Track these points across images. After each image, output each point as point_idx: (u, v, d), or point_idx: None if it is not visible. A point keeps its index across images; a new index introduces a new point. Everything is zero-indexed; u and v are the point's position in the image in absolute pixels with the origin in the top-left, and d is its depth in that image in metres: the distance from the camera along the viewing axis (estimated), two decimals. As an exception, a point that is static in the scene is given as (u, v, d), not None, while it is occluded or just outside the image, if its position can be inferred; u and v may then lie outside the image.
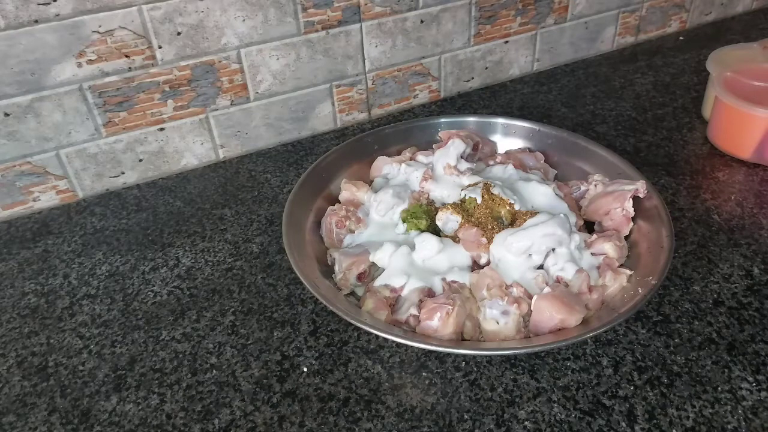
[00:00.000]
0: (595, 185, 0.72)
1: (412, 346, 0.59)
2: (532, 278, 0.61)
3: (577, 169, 0.77)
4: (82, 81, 0.75)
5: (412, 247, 0.65)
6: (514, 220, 0.65)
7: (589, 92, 1.00)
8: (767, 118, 0.77)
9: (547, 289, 0.59)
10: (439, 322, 0.57)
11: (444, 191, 0.72)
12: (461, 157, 0.74)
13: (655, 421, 0.52)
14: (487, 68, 1.03)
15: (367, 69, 0.93)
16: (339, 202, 0.73)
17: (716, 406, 0.53)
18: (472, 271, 0.64)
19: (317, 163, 0.76)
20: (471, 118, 0.84)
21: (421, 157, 0.78)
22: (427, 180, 0.73)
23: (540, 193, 0.69)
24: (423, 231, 0.67)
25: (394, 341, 0.59)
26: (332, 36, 0.87)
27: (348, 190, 0.73)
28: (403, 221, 0.68)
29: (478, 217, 0.66)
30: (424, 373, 0.57)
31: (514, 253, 0.62)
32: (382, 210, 0.70)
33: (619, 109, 0.95)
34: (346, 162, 0.78)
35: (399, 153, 0.80)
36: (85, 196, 0.83)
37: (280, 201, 0.80)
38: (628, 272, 0.62)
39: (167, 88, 0.80)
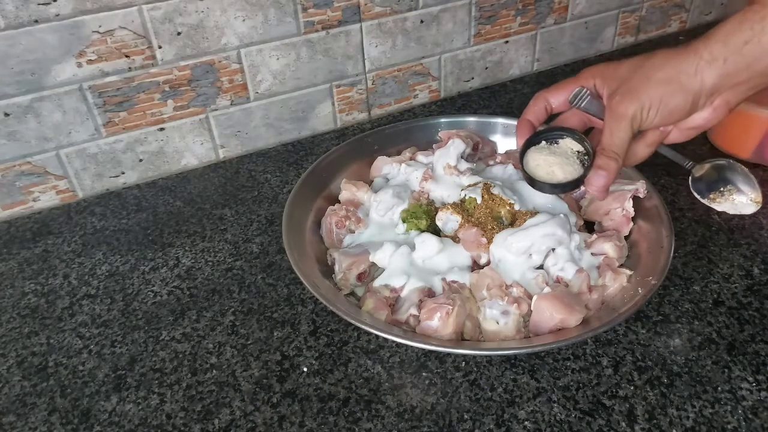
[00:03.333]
0: (595, 185, 0.72)
1: (412, 346, 0.59)
2: (532, 278, 0.61)
3: (577, 169, 0.77)
4: (82, 81, 0.75)
5: (412, 247, 0.65)
6: (514, 220, 0.65)
7: (589, 92, 1.00)
8: (767, 118, 0.76)
9: (547, 289, 0.59)
10: (439, 322, 0.57)
11: (444, 191, 0.72)
12: (461, 157, 0.74)
13: (655, 421, 0.52)
14: (487, 68, 1.03)
15: (367, 69, 0.93)
16: (339, 202, 0.73)
17: (716, 406, 0.53)
18: (472, 271, 0.64)
19: (317, 163, 0.76)
20: (471, 118, 0.84)
21: (421, 157, 0.78)
22: (427, 180, 0.73)
23: (540, 193, 0.69)
24: (423, 231, 0.67)
25: (394, 341, 0.59)
26: (332, 36, 0.87)
27: (348, 190, 0.73)
28: (403, 221, 0.68)
29: (478, 217, 0.66)
30: (424, 373, 0.57)
31: (514, 253, 0.62)
32: (382, 210, 0.70)
33: (619, 109, 0.95)
34: (346, 162, 0.78)
35: (399, 153, 0.80)
36: (85, 196, 0.83)
37: (280, 201, 0.80)
38: (628, 272, 0.62)
39: (167, 88, 0.80)
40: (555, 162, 0.59)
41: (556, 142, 0.60)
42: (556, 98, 0.60)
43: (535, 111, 0.60)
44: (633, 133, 0.54)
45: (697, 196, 0.62)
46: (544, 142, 0.61)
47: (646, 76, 0.53)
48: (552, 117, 0.62)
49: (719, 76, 0.51)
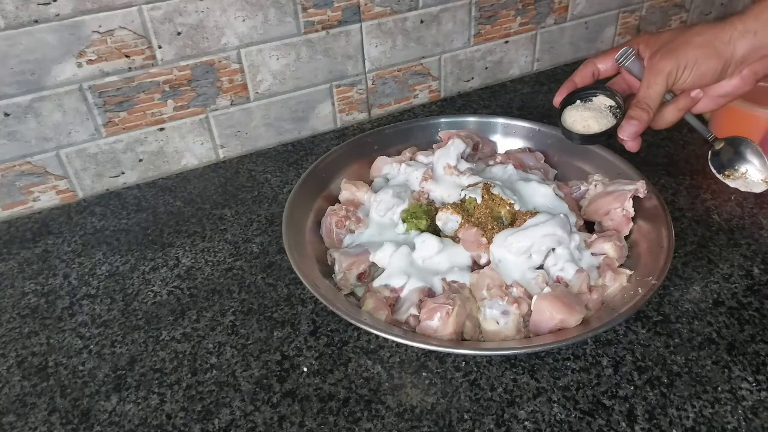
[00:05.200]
0: (595, 185, 0.72)
1: (412, 346, 0.59)
2: (532, 278, 0.61)
3: (577, 169, 0.77)
4: (82, 81, 0.75)
5: (412, 247, 0.65)
6: (514, 220, 0.65)
7: (589, 92, 1.00)
8: (767, 118, 0.76)
9: (547, 289, 0.59)
10: (439, 322, 0.57)
11: (444, 191, 0.72)
12: (461, 157, 0.74)
13: (655, 421, 0.52)
14: (487, 68, 1.03)
15: (367, 69, 0.93)
16: (339, 202, 0.73)
17: (716, 406, 0.53)
18: (472, 271, 0.64)
19: (317, 163, 0.76)
20: (471, 118, 0.84)
21: (421, 157, 0.78)
22: (427, 180, 0.73)
23: (540, 193, 0.69)
24: (423, 231, 0.67)
25: (394, 341, 0.59)
26: (332, 36, 0.87)
27: (348, 190, 0.73)
28: (403, 221, 0.68)
29: (478, 217, 0.66)
30: (424, 373, 0.57)
31: (514, 253, 0.62)
32: (382, 210, 0.70)
33: (619, 109, 0.95)
34: (346, 162, 0.78)
35: (399, 153, 0.80)
36: (85, 196, 0.83)
37: (280, 201, 0.80)
38: (628, 272, 0.62)
39: (167, 88, 0.80)
40: (590, 116, 0.64)
41: (590, 100, 0.66)
42: (603, 63, 0.65)
43: (582, 74, 0.66)
44: (667, 89, 0.60)
45: (714, 172, 0.67)
46: (578, 101, 0.66)
47: (686, 40, 0.58)
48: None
49: (750, 47, 0.57)
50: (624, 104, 0.63)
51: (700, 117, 0.67)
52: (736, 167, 0.66)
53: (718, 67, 0.58)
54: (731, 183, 0.66)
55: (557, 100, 0.66)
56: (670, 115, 0.62)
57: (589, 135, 0.64)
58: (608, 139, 0.64)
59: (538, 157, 0.79)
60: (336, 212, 0.69)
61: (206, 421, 0.54)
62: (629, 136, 0.61)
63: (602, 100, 0.65)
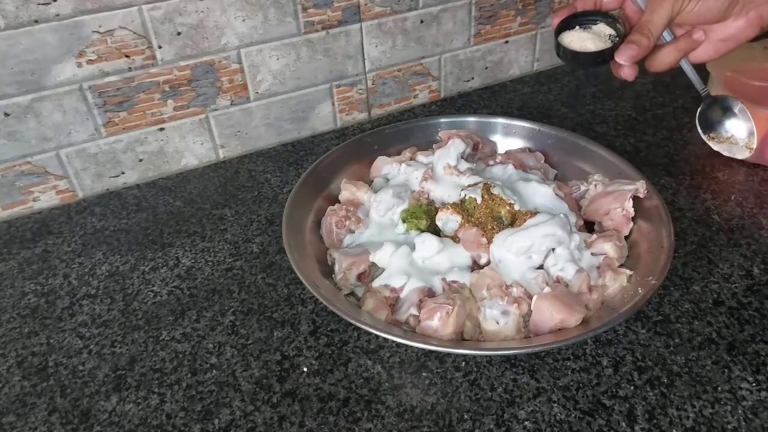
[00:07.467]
0: (595, 185, 0.72)
1: (412, 346, 0.59)
2: (532, 278, 0.61)
3: (577, 169, 0.77)
4: (82, 81, 0.75)
5: (412, 247, 0.65)
6: (514, 220, 0.65)
7: (589, 92, 1.00)
8: (767, 118, 0.76)
9: (547, 289, 0.59)
10: (439, 322, 0.57)
11: (444, 191, 0.72)
12: (461, 157, 0.74)
13: (655, 421, 0.52)
14: (487, 68, 1.03)
15: (367, 69, 0.93)
16: (339, 202, 0.73)
17: (716, 406, 0.53)
18: (472, 271, 0.64)
19: (317, 163, 0.76)
20: (471, 118, 0.84)
21: (421, 157, 0.78)
22: (427, 180, 0.73)
23: (540, 193, 0.69)
24: (423, 231, 0.67)
25: (394, 341, 0.59)
26: (332, 36, 0.87)
27: (348, 190, 0.73)
28: (403, 221, 0.68)
29: (478, 217, 0.66)
30: (424, 373, 0.57)
31: (514, 253, 0.62)
32: (382, 210, 0.70)
33: (619, 109, 0.95)
34: (346, 162, 0.78)
35: (399, 153, 0.80)
36: (85, 196, 0.83)
37: (280, 201, 0.81)
38: (628, 272, 0.62)
39: (167, 88, 0.80)
40: (588, 37, 0.63)
41: (590, 27, 0.64)
42: None
43: (585, 0, 0.64)
44: (671, 16, 0.59)
45: (699, 131, 0.66)
46: (578, 27, 0.64)
47: None
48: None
49: None
50: (625, 31, 0.61)
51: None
52: (723, 130, 0.65)
53: (724, 4, 0.57)
54: (715, 146, 0.66)
55: (556, 21, 0.65)
56: (668, 56, 0.61)
57: (582, 53, 0.62)
58: (602, 63, 0.62)
59: (538, 157, 0.79)
60: (336, 212, 0.70)
61: (206, 421, 0.54)
62: (627, 59, 0.60)
63: (602, 28, 0.64)
